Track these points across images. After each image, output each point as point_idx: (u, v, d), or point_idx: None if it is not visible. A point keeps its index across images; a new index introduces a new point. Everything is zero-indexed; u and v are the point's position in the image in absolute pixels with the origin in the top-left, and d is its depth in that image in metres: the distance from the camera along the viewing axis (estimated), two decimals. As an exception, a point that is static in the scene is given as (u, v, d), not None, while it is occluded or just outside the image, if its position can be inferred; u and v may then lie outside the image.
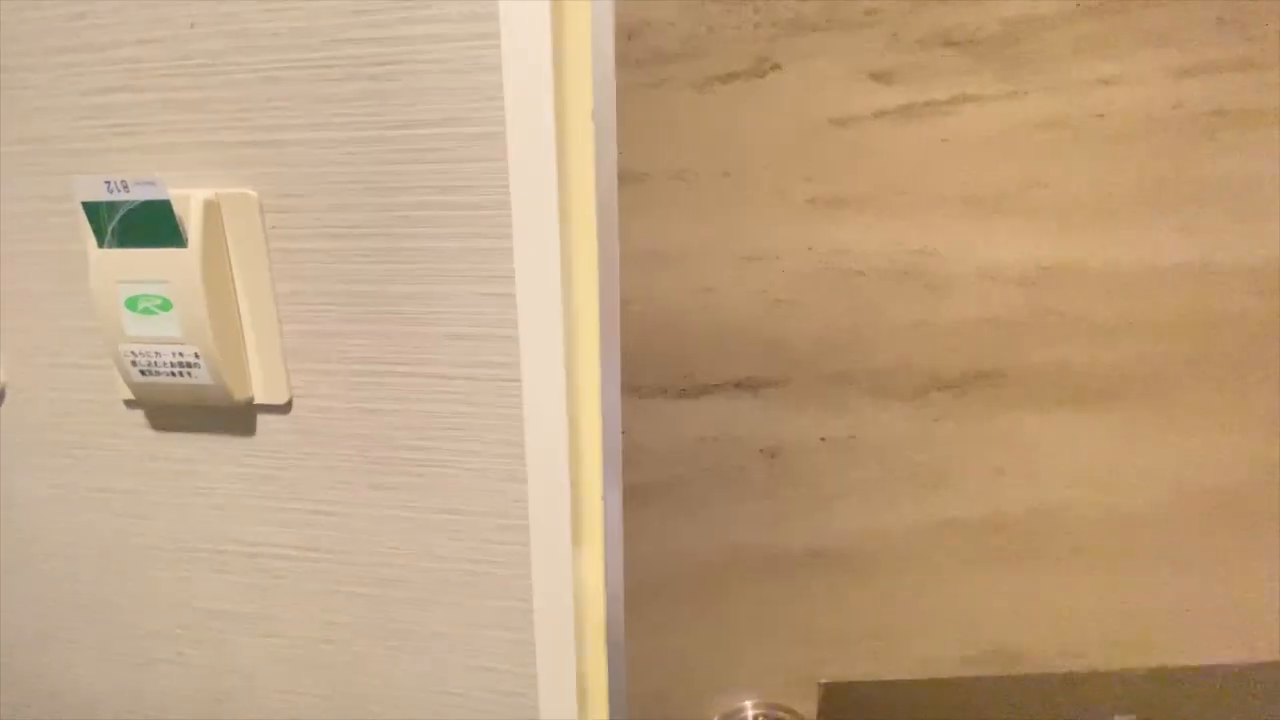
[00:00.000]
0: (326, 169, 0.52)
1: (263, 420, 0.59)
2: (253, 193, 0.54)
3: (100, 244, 0.56)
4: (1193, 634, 0.59)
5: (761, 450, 0.55)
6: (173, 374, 0.57)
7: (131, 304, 0.56)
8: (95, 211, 0.55)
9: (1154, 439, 0.54)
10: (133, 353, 0.57)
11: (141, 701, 0.71)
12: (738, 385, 0.54)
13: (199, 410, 0.60)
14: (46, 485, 0.66)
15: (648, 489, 0.57)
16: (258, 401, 0.58)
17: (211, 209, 0.55)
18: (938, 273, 0.51)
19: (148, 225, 0.54)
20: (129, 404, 0.62)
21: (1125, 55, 0.47)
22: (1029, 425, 0.54)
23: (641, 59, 0.48)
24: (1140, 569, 0.57)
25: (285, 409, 0.58)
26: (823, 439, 0.55)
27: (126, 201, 0.54)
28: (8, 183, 0.59)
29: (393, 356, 0.55)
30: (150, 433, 0.62)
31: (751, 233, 0.51)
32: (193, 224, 0.54)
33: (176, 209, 0.53)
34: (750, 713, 0.62)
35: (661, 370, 0.54)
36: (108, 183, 0.54)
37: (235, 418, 0.60)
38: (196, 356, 0.56)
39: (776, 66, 0.48)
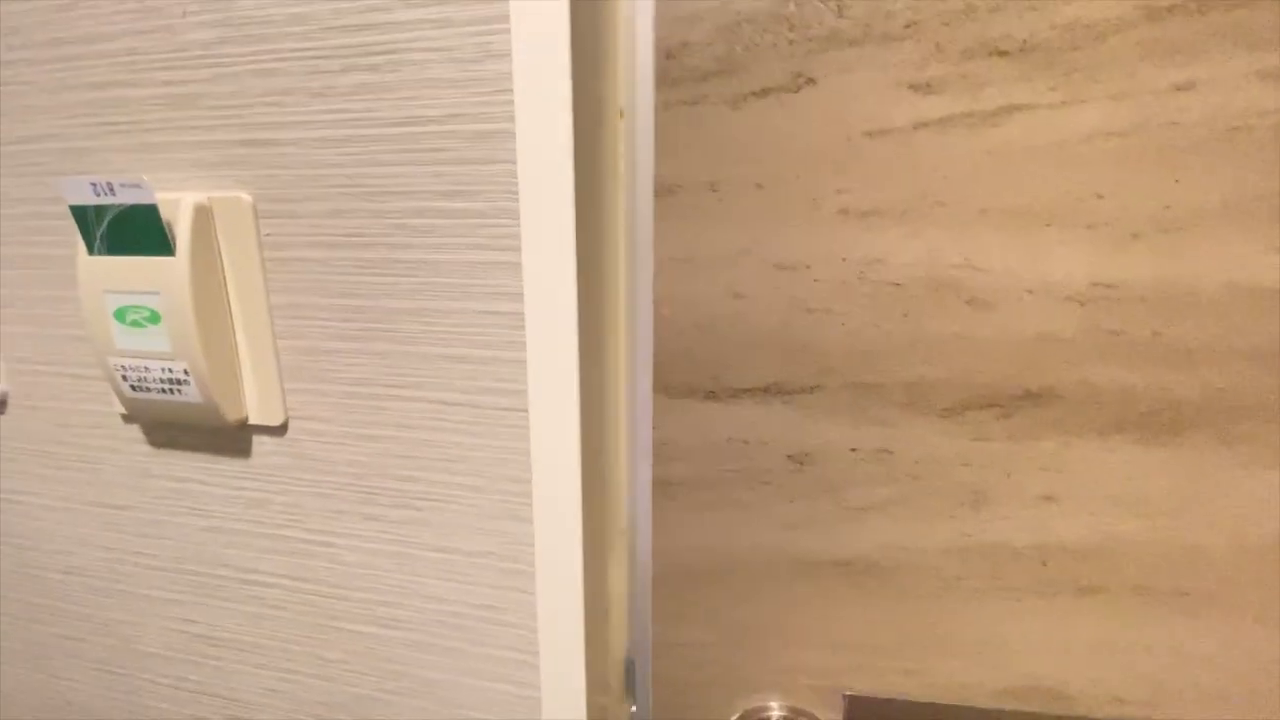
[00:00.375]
0: (322, 171, 0.44)
1: (257, 441, 0.51)
2: (246, 196, 0.47)
3: (90, 250, 0.48)
4: (1266, 691, 0.52)
5: (789, 456, 0.52)
6: (163, 390, 0.49)
7: (120, 315, 0.48)
8: (83, 215, 0.48)
9: (1230, 476, 0.48)
10: (123, 367, 0.49)
11: (143, 720, 0.64)
12: (766, 390, 0.51)
13: (193, 427, 0.52)
14: (46, 496, 0.60)
15: (676, 484, 0.55)
16: (252, 422, 0.50)
17: (202, 214, 0.47)
18: (980, 286, 0.47)
19: (135, 231, 0.47)
20: (125, 417, 0.55)
21: (1203, 59, 0.42)
22: (1084, 451, 0.49)
23: (679, 77, 0.47)
24: (1211, 615, 0.51)
25: (280, 430, 0.50)
26: (853, 449, 0.52)
27: (114, 205, 0.46)
28: (5, 183, 0.53)
29: (390, 378, 0.47)
30: (146, 448, 0.55)
31: (783, 242, 0.49)
32: (181, 230, 0.46)
33: (165, 214, 0.46)
34: (774, 714, 0.57)
35: (691, 371, 0.52)
36: (94, 185, 0.46)
37: (229, 437, 0.52)
38: (186, 373, 0.48)
39: (811, 81, 0.46)
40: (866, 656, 0.56)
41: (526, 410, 0.44)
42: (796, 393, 0.51)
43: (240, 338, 0.49)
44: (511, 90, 0.39)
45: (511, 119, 0.40)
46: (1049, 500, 0.50)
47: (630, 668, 0.62)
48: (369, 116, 0.42)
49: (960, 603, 0.53)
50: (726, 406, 0.52)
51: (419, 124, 0.41)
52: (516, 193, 0.41)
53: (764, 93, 0.46)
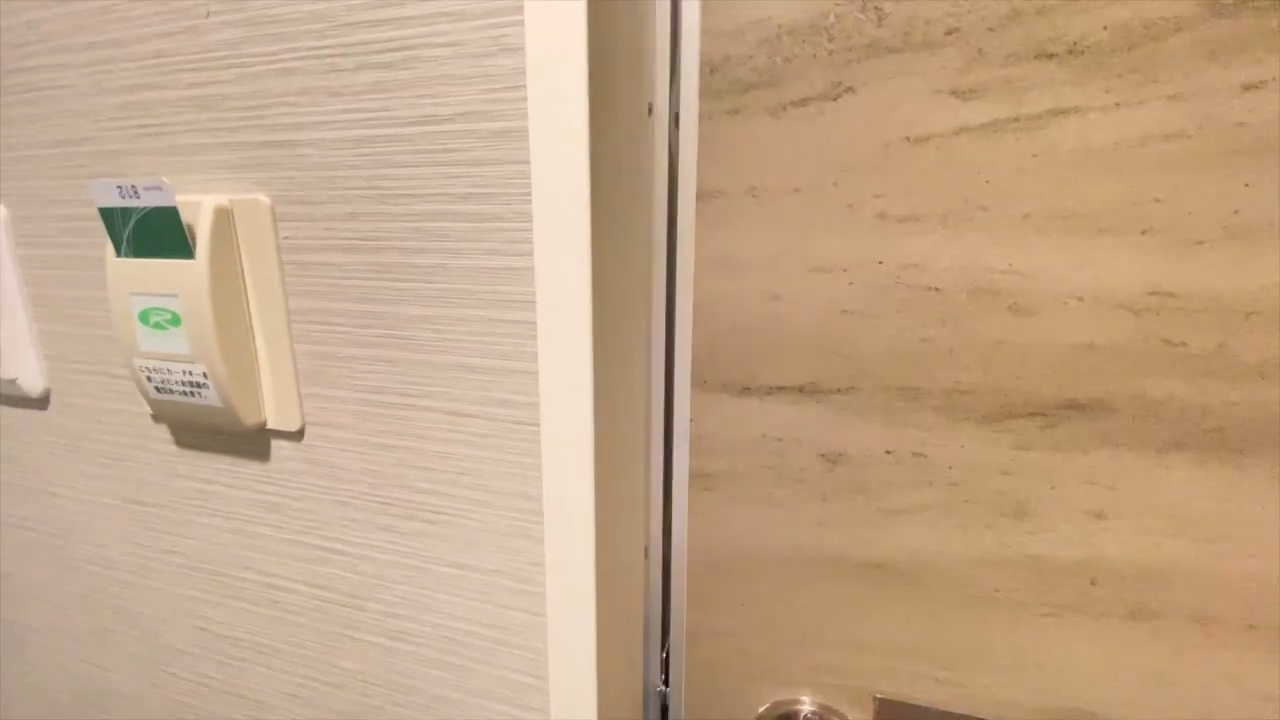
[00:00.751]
0: (340, 173, 0.42)
1: (275, 446, 0.49)
2: (265, 199, 0.44)
3: (117, 252, 0.46)
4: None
5: (822, 455, 0.51)
6: (184, 393, 0.47)
7: (144, 317, 0.46)
8: (111, 217, 0.46)
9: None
10: (147, 368, 0.47)
11: (170, 713, 0.62)
12: (801, 389, 0.50)
13: (213, 430, 0.50)
14: (84, 491, 0.59)
15: (711, 476, 0.53)
16: (270, 426, 0.47)
17: (222, 216, 0.44)
18: (1023, 292, 0.44)
19: (158, 233, 0.45)
20: (154, 417, 0.53)
21: (1276, 56, 0.38)
22: (1138, 468, 0.45)
23: (721, 90, 0.47)
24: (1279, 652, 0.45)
25: (297, 436, 0.47)
26: (888, 451, 0.49)
27: (138, 208, 0.44)
28: (46, 185, 0.51)
29: (403, 386, 0.44)
30: (174, 448, 0.53)
31: (820, 246, 0.47)
32: (202, 233, 0.44)
33: (186, 216, 0.43)
34: (805, 709, 0.55)
35: (726, 368, 0.51)
36: (119, 187, 0.44)
37: (248, 440, 0.50)
38: (205, 376, 0.45)
39: (850, 90, 0.44)
40: (897, 661, 0.53)
41: (538, 425, 0.40)
42: (831, 393, 0.49)
43: (259, 342, 0.47)
44: (525, 86, 0.35)
45: (525, 116, 0.36)
46: (1097, 516, 0.46)
47: (661, 699, 0.58)
48: (384, 115, 0.39)
49: (997, 615, 0.50)
50: (761, 403, 0.50)
51: (433, 123, 0.38)
52: (530, 195, 0.37)
53: (804, 102, 0.45)
